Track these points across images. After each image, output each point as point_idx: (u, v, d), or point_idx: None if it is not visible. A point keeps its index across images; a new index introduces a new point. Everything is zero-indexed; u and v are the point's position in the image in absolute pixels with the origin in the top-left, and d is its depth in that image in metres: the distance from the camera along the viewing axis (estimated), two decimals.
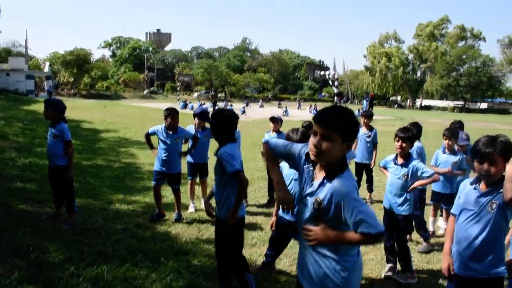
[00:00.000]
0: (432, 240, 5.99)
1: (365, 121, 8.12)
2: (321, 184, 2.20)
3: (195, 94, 66.89)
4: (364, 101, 40.73)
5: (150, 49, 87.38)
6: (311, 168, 2.31)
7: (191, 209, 6.70)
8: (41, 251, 4.50)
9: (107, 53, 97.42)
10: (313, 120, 2.22)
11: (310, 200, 2.25)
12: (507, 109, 66.86)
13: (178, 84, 52.69)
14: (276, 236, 4.60)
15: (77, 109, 26.58)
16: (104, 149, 12.58)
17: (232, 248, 3.71)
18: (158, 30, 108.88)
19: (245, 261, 3.82)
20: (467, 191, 2.98)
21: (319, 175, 2.26)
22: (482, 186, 2.89)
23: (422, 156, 5.80)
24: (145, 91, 66.67)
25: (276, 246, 4.61)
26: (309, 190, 2.27)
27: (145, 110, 31.59)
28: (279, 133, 7.44)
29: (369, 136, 8.05)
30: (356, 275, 2.30)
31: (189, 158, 6.74)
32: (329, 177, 2.18)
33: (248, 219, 6.48)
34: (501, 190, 2.78)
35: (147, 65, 76.49)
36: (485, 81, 66.94)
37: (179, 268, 4.40)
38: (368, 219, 2.09)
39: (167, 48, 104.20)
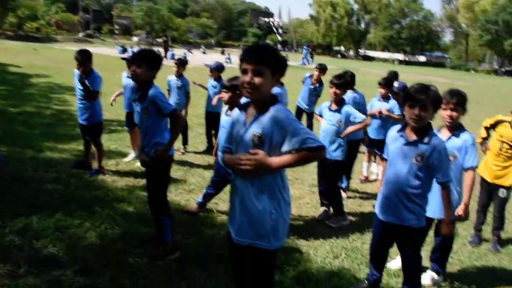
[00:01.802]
0: (365, 185, 6.30)
1: (319, 73, 8.21)
2: (255, 120, 2.26)
3: (135, 39, 63.81)
4: (304, 50, 40.53)
5: None
6: (244, 113, 2.36)
7: (129, 157, 6.52)
8: None
9: None
10: (241, 59, 2.27)
11: (246, 140, 2.27)
12: (443, 63, 69.86)
13: (116, 27, 49.71)
14: (217, 180, 4.67)
15: (2, 51, 24.57)
16: (34, 95, 11.79)
17: (158, 188, 3.69)
18: None
19: (166, 204, 3.82)
20: (394, 137, 3.08)
21: (250, 116, 2.31)
22: (408, 134, 2.98)
23: (360, 104, 5.86)
24: (80, 34, 62.54)
25: (216, 186, 4.69)
26: (243, 131, 2.31)
27: None
28: (219, 80, 7.28)
29: (315, 89, 8.23)
30: (284, 217, 2.35)
31: (126, 108, 6.45)
32: (262, 111, 2.25)
33: (186, 165, 6.45)
34: (425, 141, 2.88)
35: (82, 6, 71.33)
36: (425, 35, 69.29)
37: (114, 216, 4.32)
38: (310, 135, 2.20)
39: None
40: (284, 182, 2.36)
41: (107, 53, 32.51)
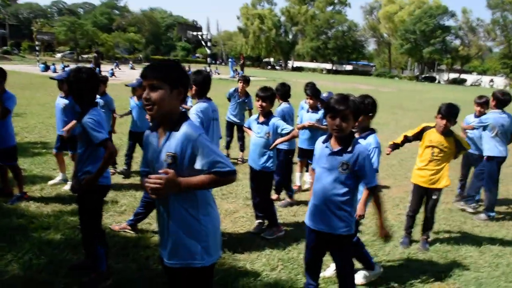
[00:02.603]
0: (299, 194, 6.44)
1: (243, 85, 8.35)
2: (167, 139, 2.22)
3: (58, 55, 60.97)
4: (230, 62, 40.97)
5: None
6: (156, 133, 2.31)
7: (56, 179, 6.19)
8: None
9: None
10: (141, 76, 2.23)
11: (161, 161, 2.23)
12: (369, 71, 73.77)
13: (37, 43, 47.14)
14: (147, 200, 4.57)
15: None
16: None
17: (90, 217, 3.53)
18: None
19: (100, 231, 3.65)
20: (320, 148, 3.19)
21: (162, 134, 2.27)
22: (333, 144, 3.09)
23: (287, 116, 5.95)
24: None
25: (146, 207, 4.61)
26: (157, 152, 2.27)
27: None
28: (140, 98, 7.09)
29: (244, 102, 8.40)
30: (213, 230, 2.33)
31: (58, 131, 6.08)
32: (173, 129, 2.21)
33: (117, 186, 6.24)
34: (349, 150, 3.00)
35: None
36: (350, 45, 72.92)
37: (39, 245, 4.07)
38: (221, 159, 2.18)
39: (21, 1, 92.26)
40: (207, 195, 2.33)
41: (28, 71, 30.77)
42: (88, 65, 42.93)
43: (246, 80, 8.51)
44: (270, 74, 48.10)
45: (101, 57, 38.75)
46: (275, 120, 4.75)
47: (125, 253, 4.13)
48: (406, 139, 4.88)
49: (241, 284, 3.68)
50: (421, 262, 4.48)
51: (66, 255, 3.94)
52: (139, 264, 3.94)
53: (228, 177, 2.20)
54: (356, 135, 3.58)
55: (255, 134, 4.80)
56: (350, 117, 2.97)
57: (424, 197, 4.82)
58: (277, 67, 77.73)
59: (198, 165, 2.16)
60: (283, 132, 4.71)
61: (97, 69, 28.21)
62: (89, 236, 3.55)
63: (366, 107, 3.63)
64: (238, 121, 8.47)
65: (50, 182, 6.11)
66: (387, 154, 4.92)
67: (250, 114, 8.33)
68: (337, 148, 3.06)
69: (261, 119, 4.79)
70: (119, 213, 5.19)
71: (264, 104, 4.69)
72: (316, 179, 3.21)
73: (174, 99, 2.20)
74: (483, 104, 6.23)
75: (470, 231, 5.51)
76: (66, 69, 33.65)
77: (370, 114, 3.70)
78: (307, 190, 6.80)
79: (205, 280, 2.38)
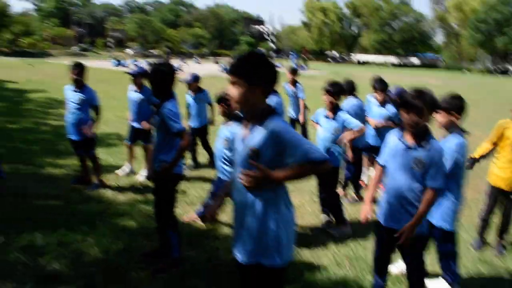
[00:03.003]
0: (365, 192, 6.32)
1: (290, 77, 8.28)
2: (251, 133, 2.22)
3: (129, 51, 64.01)
4: (291, 57, 40.64)
5: (78, 2, 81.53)
6: (241, 126, 2.33)
7: (125, 170, 6.55)
8: None
9: (29, 6, 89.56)
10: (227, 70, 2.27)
11: (244, 154, 2.24)
12: (436, 64, 70.30)
13: (110, 40, 49.87)
14: (216, 192, 4.67)
15: None
16: (31, 111, 11.87)
17: (164, 204, 3.72)
18: None
19: (174, 219, 3.81)
20: (393, 142, 3.11)
21: (246, 129, 2.28)
22: (407, 138, 3.01)
23: (355, 111, 5.80)
24: (75, 48, 62.69)
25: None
26: (241, 145, 2.28)
27: None
28: (199, 91, 7.11)
29: (294, 92, 8.30)
30: (288, 232, 2.31)
31: (133, 123, 6.44)
32: (257, 124, 2.20)
33: (187, 178, 6.46)
34: (424, 146, 2.90)
35: (75, 20, 71.55)
36: (417, 37, 69.80)
37: (116, 231, 4.35)
38: (312, 146, 2.16)
39: (96, 1, 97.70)
40: (287, 196, 2.32)
41: (102, 66, 32.59)
42: (157, 60, 44.80)
43: (291, 71, 8.39)
44: (333, 68, 47.32)
45: (170, 53, 40.10)
46: (343, 115, 4.70)
47: (195, 243, 4.30)
48: (491, 151, 4.57)
49: (307, 280, 3.70)
50: (496, 268, 4.24)
51: (140, 242, 4.18)
52: (209, 254, 4.08)
53: (321, 165, 2.17)
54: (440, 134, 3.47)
55: (323, 129, 4.77)
56: (425, 112, 2.88)
57: (501, 199, 4.54)
58: (339, 61, 76.29)
59: (288, 157, 2.15)
60: (351, 127, 4.65)
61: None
62: (164, 224, 3.74)
63: (454, 106, 3.48)
64: (294, 115, 8.46)
65: (119, 172, 6.45)
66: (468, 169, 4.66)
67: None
68: (411, 143, 2.97)
69: (329, 114, 4.75)
70: (188, 204, 5.40)
71: (332, 99, 4.65)
72: (389, 175, 3.13)
73: (255, 95, 2.18)
74: None
75: None
76: (137, 63, 35.41)
77: (456, 115, 3.51)
78: None
79: (277, 281, 2.36)
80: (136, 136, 6.48)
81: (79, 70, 5.46)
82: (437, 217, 3.44)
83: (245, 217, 2.27)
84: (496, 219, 4.69)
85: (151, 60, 39.96)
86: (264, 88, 2.21)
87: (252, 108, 2.22)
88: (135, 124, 6.40)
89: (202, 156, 7.66)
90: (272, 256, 2.24)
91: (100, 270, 3.58)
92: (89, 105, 5.56)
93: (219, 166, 4.49)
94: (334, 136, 4.70)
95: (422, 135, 2.94)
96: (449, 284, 3.65)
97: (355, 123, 4.66)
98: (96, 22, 78.79)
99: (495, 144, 4.54)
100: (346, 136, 4.73)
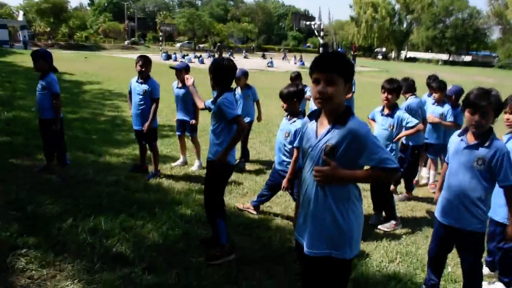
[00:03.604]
0: (416, 189, 6.23)
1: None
2: (329, 131, 2.24)
3: (178, 45, 65.40)
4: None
5: None
6: (315, 123, 2.36)
7: (180, 161, 6.75)
8: (37, 204, 4.55)
9: (84, 1, 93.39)
10: (312, 68, 2.25)
11: (317, 151, 2.28)
12: (491, 62, 67.26)
13: (160, 34, 51.12)
14: (271, 183, 4.80)
15: (57, 60, 25.39)
16: (88, 102, 12.43)
17: (213, 192, 3.85)
18: None
19: (222, 207, 3.92)
20: (455, 142, 3.10)
21: (323, 126, 2.30)
22: (469, 138, 3.00)
23: (414, 109, 5.57)
24: (126, 42, 64.81)
25: (270, 189, 4.85)
26: (315, 142, 2.31)
27: (127, 61, 30.74)
28: (247, 87, 7.03)
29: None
30: (359, 225, 2.36)
31: (178, 115, 6.65)
32: (338, 123, 2.23)
33: (240, 170, 6.60)
34: (486, 145, 2.89)
35: (127, 14, 73.88)
36: (471, 34, 67.13)
37: (174, 218, 4.53)
38: (389, 156, 2.21)
39: None
40: (358, 191, 2.36)
41: (152, 60, 33.44)
42: (205, 54, 45.19)
43: None
44: (382, 65, 46.32)
45: (221, 47, 40.53)
46: (400, 113, 4.67)
47: (249, 232, 4.41)
48: None
49: (360, 273, 3.73)
50: None
51: (196, 229, 4.34)
52: (262, 243, 4.19)
53: (392, 173, 2.25)
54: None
55: (379, 126, 4.76)
56: (490, 113, 2.85)
57: None
58: (388, 57, 74.43)
59: (364, 160, 2.20)
60: (408, 125, 4.61)
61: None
62: (213, 211, 3.87)
63: None
64: None
65: (173, 164, 6.67)
66: None
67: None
68: (473, 142, 2.96)
69: (386, 111, 4.73)
70: (241, 195, 5.53)
71: (390, 96, 4.62)
72: (451, 174, 3.11)
73: (345, 92, 2.23)
74: None
75: None
76: (186, 57, 36.14)
77: None
78: (425, 185, 6.57)
79: (344, 273, 2.41)
80: (183, 128, 6.67)
81: (144, 62, 5.68)
82: (503, 214, 3.34)
83: (315, 210, 2.32)
84: None
85: (206, 55, 40.72)
86: (350, 86, 2.27)
87: (338, 105, 2.24)
88: (181, 117, 6.60)
89: (254, 150, 7.80)
90: (344, 248, 2.29)
91: (161, 254, 3.75)
92: (150, 97, 5.75)
93: (278, 157, 4.57)
94: (389, 132, 4.68)
95: (485, 135, 2.92)
96: (507, 286, 3.57)
97: (412, 120, 4.61)
98: (147, 16, 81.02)
99: None
100: (403, 134, 4.70)
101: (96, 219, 4.29)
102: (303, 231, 2.42)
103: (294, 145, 4.14)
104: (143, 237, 4.08)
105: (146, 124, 5.70)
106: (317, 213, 2.31)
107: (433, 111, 6.00)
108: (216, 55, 33.74)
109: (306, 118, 2.47)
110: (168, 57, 37.04)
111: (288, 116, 4.48)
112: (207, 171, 4.01)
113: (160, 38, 48.39)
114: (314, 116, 2.39)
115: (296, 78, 7.32)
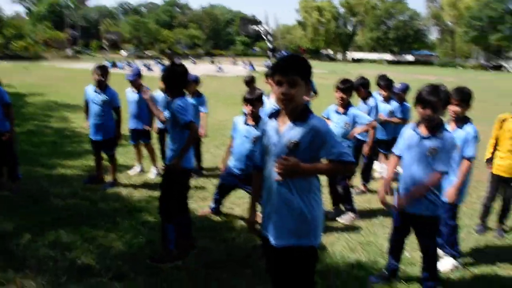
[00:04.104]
0: (371, 183, 6.49)
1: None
2: (292, 128, 2.36)
3: (123, 52, 63.99)
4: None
5: (71, 5, 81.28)
6: (275, 121, 2.46)
7: (136, 169, 6.66)
8: None
9: (21, 9, 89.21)
10: (274, 71, 2.37)
11: (280, 147, 2.38)
12: (431, 61, 70.89)
13: (104, 42, 49.88)
14: (223, 184, 4.90)
15: None
16: (32, 114, 11.93)
17: (170, 198, 3.83)
18: None
19: (178, 213, 3.89)
20: (409, 134, 3.33)
21: (284, 124, 2.41)
22: (422, 130, 3.23)
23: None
24: (69, 51, 62.60)
25: (221, 192, 4.95)
26: (277, 139, 2.41)
27: (71, 71, 29.77)
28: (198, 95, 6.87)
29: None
30: (321, 214, 2.50)
31: (132, 123, 6.53)
32: (299, 120, 2.36)
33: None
34: (438, 136, 3.13)
35: (69, 23, 71.45)
36: (412, 34, 70.70)
37: (136, 226, 4.48)
38: (346, 149, 2.39)
39: (90, 4, 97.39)
40: (319, 182, 2.50)
41: None
42: (152, 61, 44.47)
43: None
44: (329, 66, 47.61)
45: (172, 54, 39.63)
46: (354, 111, 4.88)
47: (213, 235, 4.45)
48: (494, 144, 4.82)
49: (325, 264, 3.87)
50: (497, 249, 4.52)
51: (161, 236, 4.30)
52: (227, 245, 4.24)
53: (349, 167, 2.45)
54: (452, 125, 3.67)
55: (334, 124, 4.93)
56: (439, 107, 3.09)
57: (502, 187, 4.80)
58: (335, 59, 76.57)
59: (324, 154, 2.35)
60: (361, 122, 4.83)
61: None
62: (168, 216, 3.85)
63: (464, 97, 3.70)
64: None
65: (130, 172, 6.57)
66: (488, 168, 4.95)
67: None
68: (426, 134, 3.18)
69: (340, 109, 4.93)
70: (202, 199, 5.54)
71: (344, 95, 4.82)
72: (405, 164, 3.33)
73: (305, 92, 2.37)
74: None
75: None
76: (131, 65, 35.44)
77: (467, 105, 3.74)
78: (379, 178, 6.85)
79: (312, 261, 2.53)
80: (138, 136, 6.59)
81: (102, 71, 5.61)
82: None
83: (280, 203, 2.42)
84: (497, 206, 4.96)
85: (154, 62, 40.09)
86: (309, 85, 2.39)
87: (299, 104, 2.36)
88: (134, 126, 6.51)
89: (209, 154, 7.83)
90: (310, 236, 2.42)
91: (127, 263, 3.71)
92: (111, 106, 5.72)
93: (243, 164, 4.61)
94: (344, 130, 4.88)
95: (436, 127, 3.15)
96: (454, 258, 3.92)
97: (365, 118, 4.84)
98: (90, 24, 78.69)
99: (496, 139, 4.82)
100: (357, 131, 4.92)
101: (56, 233, 4.17)
102: (268, 225, 2.50)
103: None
104: (107, 247, 4.01)
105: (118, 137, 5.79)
106: (281, 206, 2.41)
107: (383, 109, 6.29)
108: (167, 62, 33.23)
109: (265, 119, 2.57)
110: (114, 65, 35.91)
111: (251, 121, 4.56)
112: (163, 176, 4.03)
113: (105, 47, 47.18)
114: (274, 115, 2.50)
115: (251, 82, 7.37)
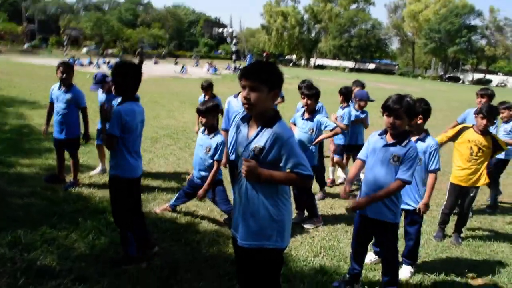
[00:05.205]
0: (333, 188, 6.66)
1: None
2: (258, 133, 2.42)
3: (84, 49, 62.19)
4: (248, 59, 41.13)
5: None
6: (246, 126, 2.53)
7: (98, 170, 6.50)
8: None
9: None
10: (240, 76, 2.42)
11: (247, 152, 2.45)
12: (392, 69, 73.21)
13: (64, 38, 48.26)
14: (188, 191, 4.94)
15: None
16: None
17: (118, 205, 3.71)
18: None
19: (130, 221, 3.75)
20: (375, 139, 3.46)
21: (253, 129, 2.48)
22: (388, 137, 3.37)
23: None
24: (26, 45, 60.18)
25: (186, 196, 5.00)
26: (246, 143, 2.48)
27: (28, 66, 28.60)
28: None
29: None
30: (288, 218, 2.57)
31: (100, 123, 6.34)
32: (266, 126, 2.40)
33: (160, 176, 6.56)
34: (402, 144, 3.27)
35: (26, 16, 68.72)
36: (374, 43, 72.65)
37: (99, 226, 4.40)
38: (304, 162, 2.40)
39: None
40: (287, 189, 2.55)
41: (54, 65, 31.48)
42: (114, 60, 43.54)
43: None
44: (293, 72, 48.11)
45: (142, 53, 38.06)
46: (319, 117, 5.00)
47: (177, 237, 4.42)
48: (444, 143, 5.02)
49: (289, 268, 3.94)
50: (455, 256, 4.69)
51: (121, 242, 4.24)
52: (191, 247, 4.23)
53: (305, 180, 2.44)
54: (413, 138, 3.83)
55: (300, 129, 5.04)
56: (403, 116, 3.23)
57: (460, 195, 5.00)
58: (298, 64, 77.53)
59: (283, 163, 2.38)
60: (326, 128, 4.97)
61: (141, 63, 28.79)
62: (119, 222, 3.74)
63: (423, 110, 3.87)
64: None
65: (92, 173, 6.41)
66: None
67: None
68: (391, 141, 3.32)
69: (306, 115, 5.04)
70: (165, 201, 5.48)
71: (309, 101, 4.94)
72: (368, 169, 3.46)
73: (270, 99, 2.40)
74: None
75: (501, 228, 5.68)
76: (97, 63, 34.51)
77: (425, 117, 3.91)
78: (341, 183, 7.02)
79: (277, 262, 2.59)
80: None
81: (65, 68, 5.46)
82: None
83: (248, 205, 2.48)
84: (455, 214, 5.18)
85: (111, 59, 39.07)
86: (277, 93, 2.43)
87: (265, 111, 2.42)
88: (102, 125, 6.26)
89: (174, 156, 7.79)
90: (276, 238, 2.47)
91: (90, 264, 3.64)
92: (76, 106, 5.59)
93: (197, 173, 4.74)
94: (309, 136, 4.99)
95: (402, 136, 3.28)
96: (412, 266, 4.09)
97: (330, 124, 4.98)
98: (50, 19, 75.92)
99: (449, 139, 4.98)
100: (321, 137, 5.04)
101: (14, 233, 4.03)
102: (237, 225, 2.57)
103: (216, 158, 4.44)
104: (68, 248, 3.92)
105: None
106: (249, 207, 2.47)
107: (338, 114, 6.45)
108: (137, 61, 32.43)
109: (238, 121, 2.61)
110: (73, 63, 34.71)
111: (206, 131, 4.61)
112: (109, 187, 3.82)
113: (65, 43, 45.68)
114: (245, 119, 2.55)
115: (208, 87, 7.27)
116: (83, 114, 5.71)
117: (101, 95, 6.28)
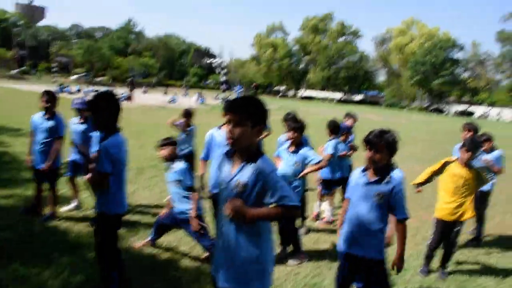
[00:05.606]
0: (318, 223, 6.55)
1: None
2: (241, 169, 2.36)
3: (74, 77, 62.17)
4: (237, 90, 41.59)
5: (21, 22, 78.44)
6: (230, 160, 2.46)
7: (71, 205, 6.14)
8: None
9: None
10: (224, 109, 2.41)
11: (230, 188, 2.38)
12: (378, 101, 74.37)
13: (54, 64, 48.24)
14: (163, 224, 4.87)
15: None
16: None
17: (105, 244, 3.61)
18: (31, 2, 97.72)
19: (116, 259, 3.67)
20: (357, 177, 3.40)
21: (236, 164, 2.41)
22: (370, 174, 3.31)
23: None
24: (15, 71, 60.03)
25: (160, 231, 4.93)
26: (228, 178, 2.41)
27: (14, 92, 28.32)
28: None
29: None
30: (270, 261, 2.48)
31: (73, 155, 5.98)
32: (249, 161, 2.35)
33: (142, 209, 6.40)
34: (385, 181, 3.21)
35: (17, 41, 68.78)
36: (362, 75, 74.18)
37: (75, 262, 4.23)
38: (289, 194, 2.34)
39: (41, 23, 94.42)
40: (270, 227, 2.47)
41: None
42: (103, 88, 43.45)
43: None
44: (280, 102, 48.55)
45: (133, 82, 38.13)
46: (305, 151, 4.95)
47: (158, 273, 4.28)
48: (430, 178, 4.99)
49: None
50: None
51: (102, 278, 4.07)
52: (172, 283, 4.11)
53: (292, 211, 2.35)
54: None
55: (285, 162, 4.98)
56: (384, 150, 3.18)
57: (445, 231, 4.92)
58: (287, 95, 78.34)
59: (267, 198, 2.31)
60: (311, 163, 4.91)
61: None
62: (103, 261, 3.64)
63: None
64: None
65: (64, 209, 6.01)
66: (418, 192, 5.13)
67: None
68: (373, 178, 3.25)
69: (292, 148, 4.99)
70: (147, 235, 5.31)
71: (295, 134, 4.90)
72: (351, 206, 3.38)
73: (254, 135, 2.35)
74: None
75: (486, 261, 5.61)
76: (82, 90, 34.38)
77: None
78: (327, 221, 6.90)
79: None
80: (77, 169, 5.99)
81: (49, 97, 5.37)
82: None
83: (229, 246, 2.39)
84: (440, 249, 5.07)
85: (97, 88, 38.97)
86: (261, 129, 2.38)
87: (249, 146, 2.36)
88: (75, 157, 5.92)
89: (158, 188, 7.65)
90: (256, 281, 2.38)
91: None
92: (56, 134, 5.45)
93: (177, 209, 4.68)
94: (295, 169, 4.92)
95: (384, 172, 3.22)
96: None
97: (315, 158, 4.92)
98: (40, 45, 76.11)
99: (434, 174, 4.96)
100: (307, 170, 4.98)
101: None
102: (218, 266, 2.47)
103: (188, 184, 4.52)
104: (39, 287, 3.73)
105: (47, 164, 5.35)
106: (230, 250, 2.38)
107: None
108: (128, 91, 32.30)
109: (222, 155, 2.54)
110: (62, 90, 34.34)
111: (168, 164, 4.67)
112: (97, 225, 3.69)
113: (54, 69, 45.60)
114: (229, 154, 2.48)
115: (187, 115, 7.48)
116: (55, 143, 5.46)
117: (74, 125, 6.01)
